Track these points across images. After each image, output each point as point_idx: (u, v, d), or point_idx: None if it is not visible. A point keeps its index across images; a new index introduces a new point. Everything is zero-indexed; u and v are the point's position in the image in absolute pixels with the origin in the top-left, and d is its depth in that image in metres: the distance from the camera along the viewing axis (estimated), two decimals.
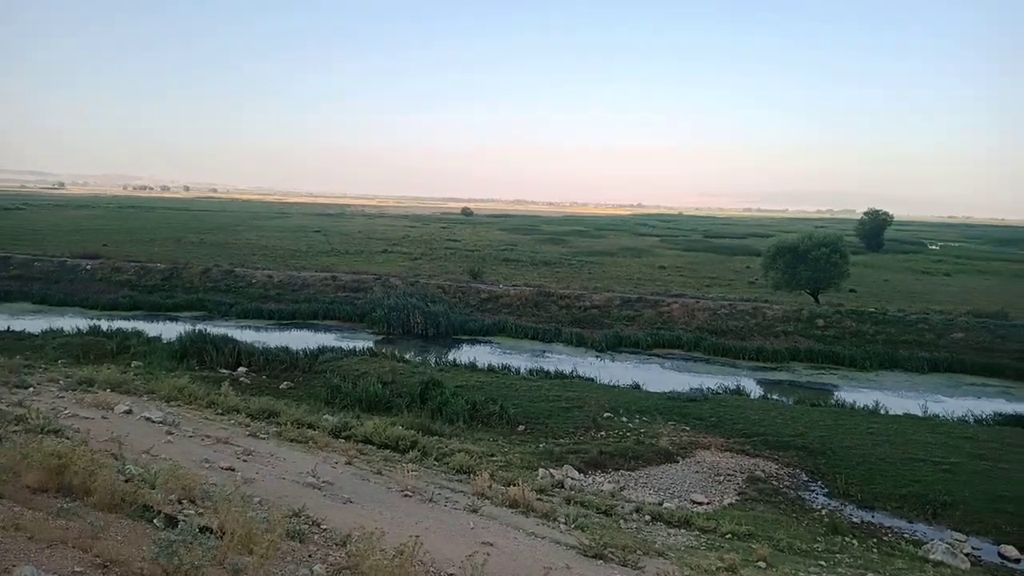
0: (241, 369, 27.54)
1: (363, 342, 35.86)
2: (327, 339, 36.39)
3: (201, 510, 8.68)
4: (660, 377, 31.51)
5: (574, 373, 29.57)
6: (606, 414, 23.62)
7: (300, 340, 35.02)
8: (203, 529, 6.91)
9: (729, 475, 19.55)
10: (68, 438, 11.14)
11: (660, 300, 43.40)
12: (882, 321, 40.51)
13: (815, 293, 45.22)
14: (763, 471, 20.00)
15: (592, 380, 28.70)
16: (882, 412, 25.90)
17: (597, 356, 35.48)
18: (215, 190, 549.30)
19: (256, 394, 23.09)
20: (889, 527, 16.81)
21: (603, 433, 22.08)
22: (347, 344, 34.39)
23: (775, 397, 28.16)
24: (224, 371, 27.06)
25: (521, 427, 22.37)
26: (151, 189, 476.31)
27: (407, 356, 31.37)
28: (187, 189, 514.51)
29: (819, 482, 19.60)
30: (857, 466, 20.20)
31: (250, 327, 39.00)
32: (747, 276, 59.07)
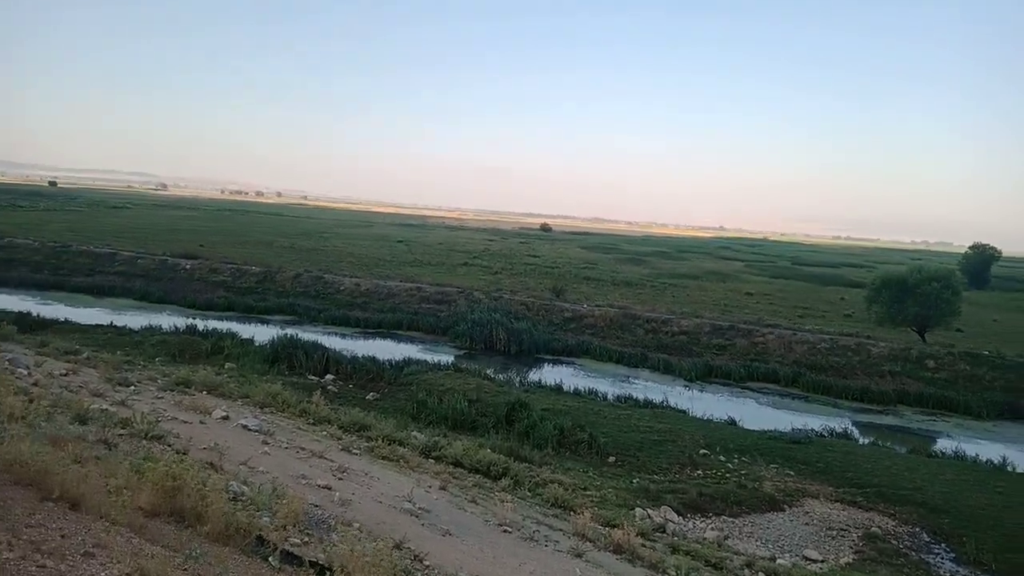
0: (329, 376, 27.59)
1: (446, 356, 35.60)
2: (411, 350, 36.34)
3: (307, 539, 8.20)
4: (756, 413, 29.68)
5: (665, 403, 28.20)
6: (702, 451, 22.25)
7: (385, 350, 35.06)
8: (316, 568, 6.34)
9: (842, 530, 17.87)
10: (170, 445, 10.98)
11: (753, 330, 41.32)
12: (1000, 366, 37.18)
13: (922, 331, 42.09)
14: (879, 527, 18.19)
15: (684, 412, 27.29)
16: (1009, 469, 23.42)
17: (686, 386, 33.90)
18: (305, 197, 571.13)
19: (344, 403, 22.94)
20: None
21: (700, 472, 20.75)
22: (430, 357, 34.19)
23: (886, 444, 25.93)
24: (313, 378, 27.17)
25: (612, 458, 21.28)
26: (246, 194, 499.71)
27: (491, 373, 30.75)
28: (279, 195, 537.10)
29: (943, 544, 17.65)
30: (988, 530, 18.10)
31: (336, 333, 39.41)
32: (842, 308, 55.84)
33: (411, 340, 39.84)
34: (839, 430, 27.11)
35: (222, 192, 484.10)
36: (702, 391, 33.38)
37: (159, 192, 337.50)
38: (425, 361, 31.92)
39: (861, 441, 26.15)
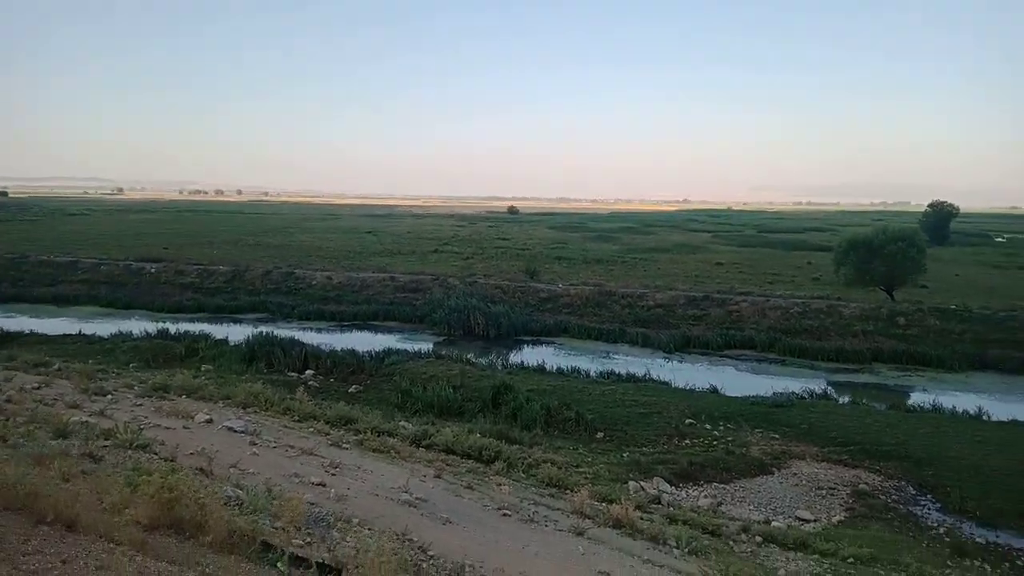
0: (309, 372, 27.20)
1: (425, 344, 35.35)
2: (389, 340, 35.98)
3: (309, 538, 8.02)
4: (737, 380, 30.03)
5: (647, 376, 28.37)
6: (688, 420, 22.46)
7: (363, 342, 34.67)
8: (325, 569, 6.19)
9: (831, 488, 18.20)
10: (156, 453, 10.67)
11: (727, 299, 41.76)
12: (967, 319, 38.16)
13: (890, 290, 42.95)
14: (867, 484, 18.57)
15: (667, 384, 27.48)
16: (985, 418, 24.07)
17: (665, 357, 34.15)
18: (266, 193, 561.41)
19: (327, 398, 22.59)
20: (1020, 549, 15.25)
21: (688, 441, 20.93)
22: (410, 346, 33.93)
23: (865, 402, 26.39)
24: (292, 374, 26.76)
25: (600, 434, 21.35)
26: (206, 193, 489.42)
27: (472, 358, 30.59)
28: (240, 193, 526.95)
29: (929, 496, 18.10)
30: (970, 478, 18.61)
31: (312, 328, 38.87)
32: (809, 272, 56.79)
33: (388, 330, 39.45)
34: (818, 391, 27.51)
35: (181, 193, 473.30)
36: (681, 362, 33.66)
37: (116, 196, 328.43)
38: (405, 351, 31.64)
39: (841, 401, 26.55)
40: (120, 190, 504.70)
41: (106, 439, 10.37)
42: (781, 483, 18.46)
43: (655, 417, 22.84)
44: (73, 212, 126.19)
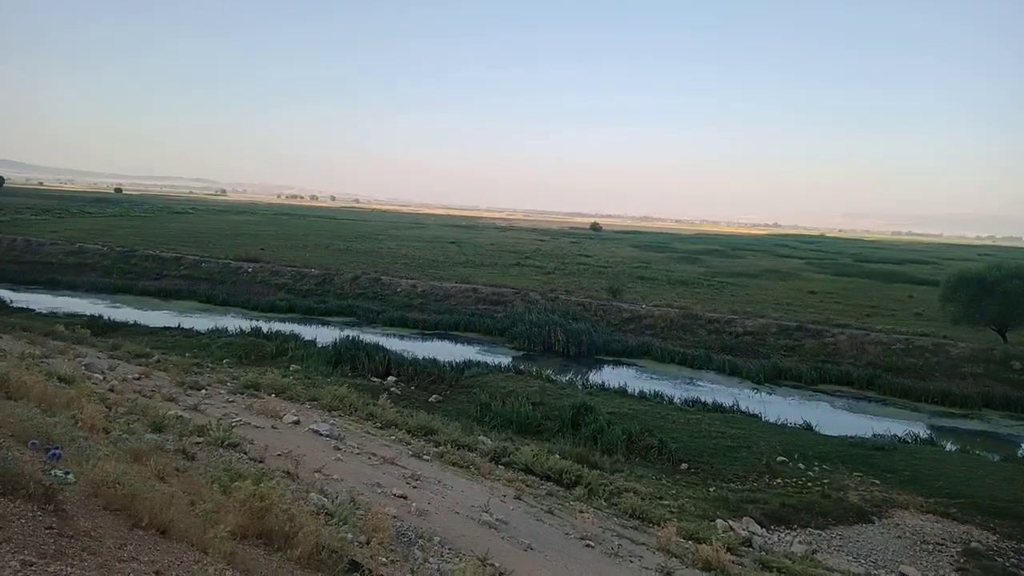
0: (391, 378, 27.46)
1: (504, 357, 35.15)
2: (469, 352, 36.03)
3: (392, 555, 7.79)
4: (832, 418, 28.28)
5: (735, 407, 27.12)
6: (779, 458, 21.19)
7: (443, 351, 34.86)
8: None
9: (939, 544, 16.62)
10: (246, 453, 10.77)
11: (823, 330, 39.60)
12: None
13: (1003, 331, 39.60)
14: (980, 542, 16.86)
15: (757, 417, 26.15)
16: None
17: (754, 388, 32.61)
18: (358, 200, 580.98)
19: (407, 406, 22.67)
20: None
21: (779, 480, 19.71)
22: (489, 358, 33.81)
23: (977, 452, 24.26)
24: (375, 379, 27.08)
25: (684, 465, 20.42)
26: (301, 198, 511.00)
27: (552, 375, 30.11)
28: (333, 199, 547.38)
29: None
30: None
31: (395, 335, 39.41)
32: (911, 307, 53.17)
33: (468, 341, 39.54)
34: (923, 436, 25.54)
35: (279, 197, 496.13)
36: (771, 394, 32.06)
37: (219, 197, 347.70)
38: (485, 363, 31.54)
39: (948, 448, 24.55)
40: (223, 191, 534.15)
41: (199, 435, 10.54)
42: (882, 534, 17.03)
43: (744, 452, 21.69)
44: (179, 210, 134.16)
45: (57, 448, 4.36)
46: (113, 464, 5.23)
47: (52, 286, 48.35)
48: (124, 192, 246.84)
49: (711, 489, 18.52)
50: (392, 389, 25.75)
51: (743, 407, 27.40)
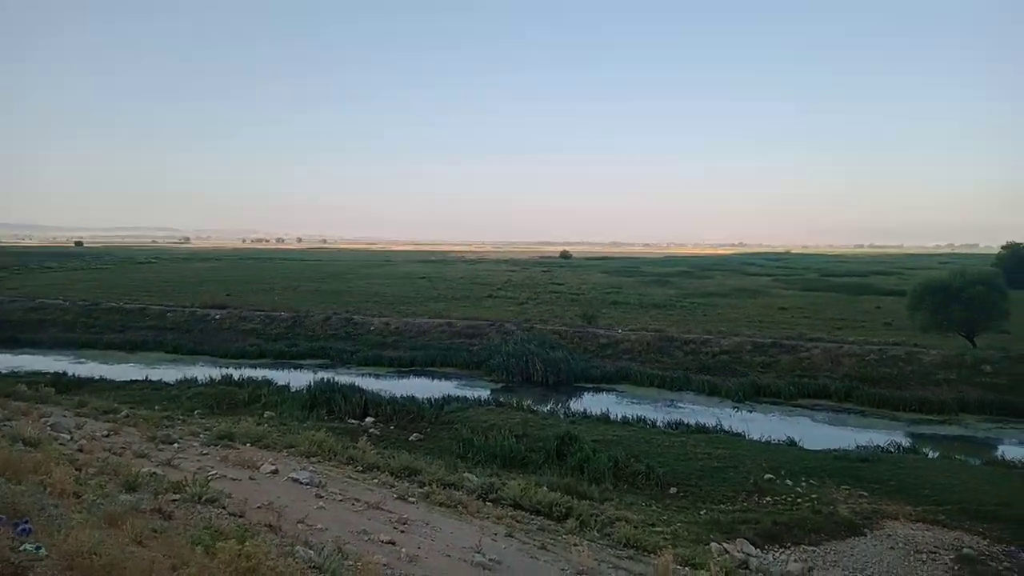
0: (369, 419, 26.89)
1: (483, 391, 34.73)
2: (447, 387, 35.58)
3: None
4: (814, 432, 28.38)
5: (718, 427, 27.07)
6: (767, 476, 21.08)
7: (421, 388, 34.36)
8: None
9: (932, 552, 16.56)
10: (224, 507, 10.29)
11: (797, 345, 40.00)
12: None
13: (971, 336, 40.46)
14: (971, 548, 16.85)
15: (740, 435, 26.12)
16: None
17: (734, 407, 32.67)
18: (325, 240, 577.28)
19: (388, 446, 22.18)
20: None
21: (769, 499, 19.59)
22: (468, 393, 33.38)
23: (958, 457, 24.47)
24: (353, 421, 26.49)
25: (673, 489, 20.21)
26: (267, 241, 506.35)
27: (533, 406, 29.81)
28: (299, 240, 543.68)
29: None
30: None
31: (370, 374, 38.78)
32: (880, 317, 54.13)
33: (446, 376, 39.08)
34: (905, 445, 25.80)
35: (244, 241, 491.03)
36: (752, 411, 32.14)
37: (183, 245, 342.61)
38: (464, 397, 31.12)
39: (931, 455, 24.77)
40: (187, 239, 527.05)
41: (175, 492, 10.06)
42: (875, 546, 16.93)
43: (731, 472, 21.56)
44: (142, 260, 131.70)
45: (26, 522, 4.03)
46: (87, 532, 4.87)
47: (12, 344, 46.77)
48: (85, 245, 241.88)
49: (702, 512, 18.31)
50: (371, 430, 25.17)
51: (726, 426, 27.37)
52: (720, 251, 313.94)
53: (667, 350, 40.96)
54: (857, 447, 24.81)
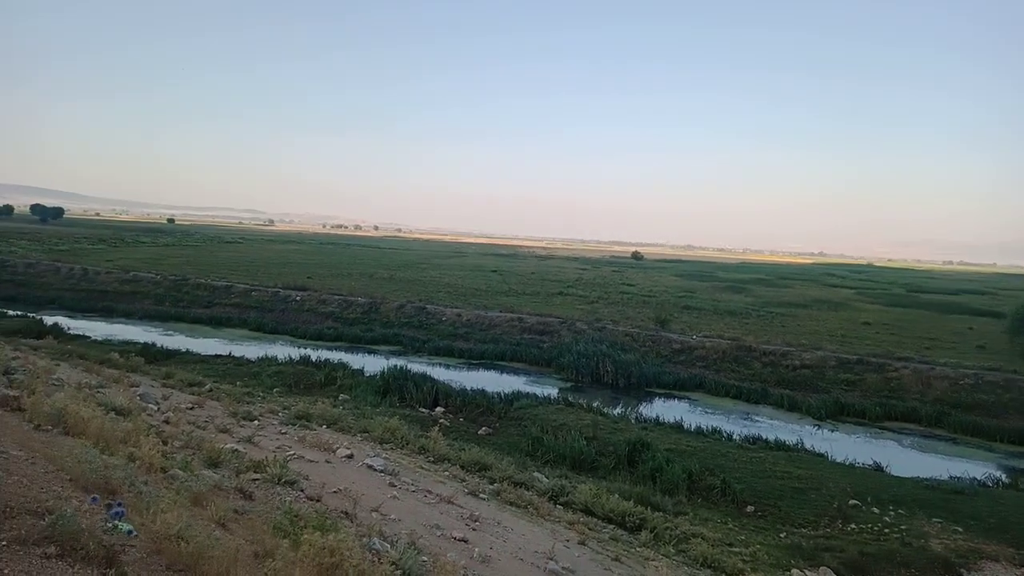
0: (439, 409, 26.95)
1: (552, 389, 34.33)
2: (516, 382, 35.37)
3: None
4: (902, 458, 26.71)
5: (799, 445, 25.80)
6: (851, 501, 19.88)
7: (490, 381, 34.29)
8: None
9: None
10: (303, 491, 10.28)
11: (885, 364, 37.82)
12: None
13: None
14: None
15: (823, 456, 24.81)
16: None
17: (815, 425, 31.13)
18: (400, 230, 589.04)
19: (457, 438, 22.10)
20: None
21: (853, 526, 18.44)
22: (537, 390, 33.09)
23: None
24: (423, 410, 26.60)
25: (750, 508, 19.31)
26: (346, 227, 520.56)
27: (603, 408, 29.21)
28: (376, 228, 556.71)
29: None
30: None
31: (441, 364, 38.99)
32: (972, 339, 50.61)
33: (515, 371, 38.89)
34: (1005, 479, 23.87)
35: (324, 227, 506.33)
36: (834, 431, 30.53)
37: (268, 228, 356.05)
38: (534, 394, 30.82)
39: None
40: (271, 222, 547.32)
41: (256, 472, 10.11)
42: None
43: (812, 494, 20.45)
44: (229, 240, 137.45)
45: (119, 505, 3.92)
46: (175, 514, 4.77)
47: (107, 313, 49.41)
48: (176, 222, 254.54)
49: (782, 535, 17.38)
50: (441, 421, 25.19)
51: (807, 445, 26.10)
52: (799, 260, 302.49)
53: (744, 360, 39.50)
54: (950, 477, 23.20)
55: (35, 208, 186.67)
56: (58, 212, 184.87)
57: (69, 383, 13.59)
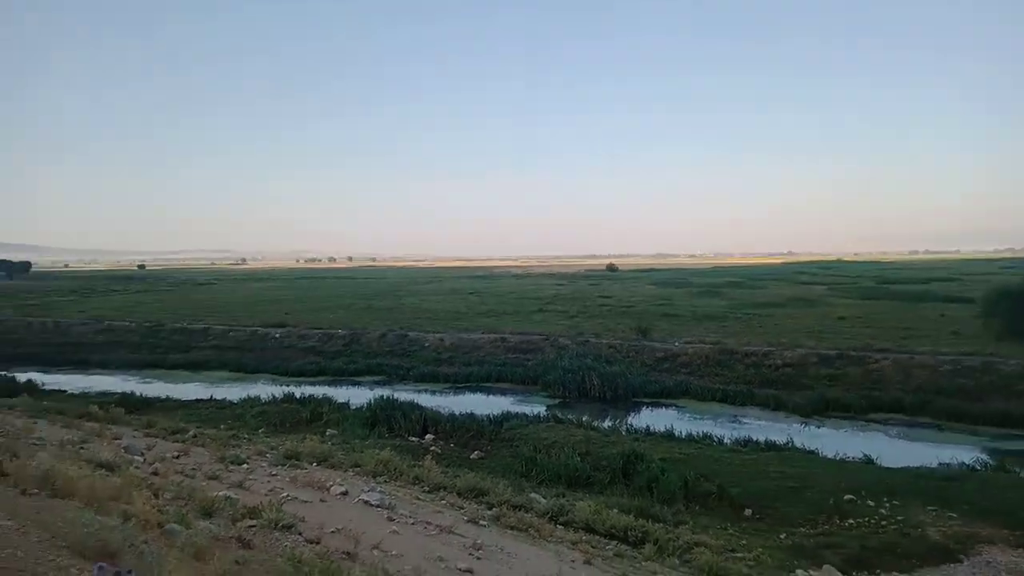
0: (429, 436, 26.72)
1: (540, 407, 34.28)
2: (504, 403, 35.24)
3: None
4: (890, 448, 26.96)
5: (789, 444, 25.95)
6: (847, 496, 19.98)
7: (478, 404, 34.10)
8: None
9: None
10: (301, 534, 10.07)
11: (865, 356, 38.35)
12: None
13: None
14: None
15: (813, 453, 24.99)
16: None
17: (802, 422, 31.40)
18: (374, 259, 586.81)
19: (450, 465, 21.86)
20: None
21: (851, 521, 18.53)
22: (526, 409, 32.97)
23: None
24: (413, 439, 26.35)
25: (748, 511, 19.33)
26: (319, 261, 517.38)
27: (593, 423, 29.17)
28: (351, 259, 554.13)
29: None
30: None
31: (427, 391, 38.73)
32: (945, 326, 51.39)
33: (502, 392, 38.76)
34: (991, 462, 24.21)
35: (297, 261, 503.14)
36: (821, 427, 30.82)
37: (240, 266, 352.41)
38: (523, 414, 30.67)
39: (1022, 473, 23.14)
40: (243, 260, 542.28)
41: (252, 518, 9.88)
42: (974, 573, 15.79)
43: (808, 492, 20.54)
44: (202, 282, 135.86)
45: (130, 572, 3.77)
46: (184, 574, 4.63)
47: (83, 365, 48.39)
48: (147, 268, 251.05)
49: (782, 536, 17.41)
50: (432, 448, 24.96)
51: (797, 443, 26.24)
52: (769, 260, 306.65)
53: (727, 363, 39.81)
54: (939, 464, 23.44)
55: (0, 264, 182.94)
56: (25, 266, 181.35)
57: (51, 441, 13.23)
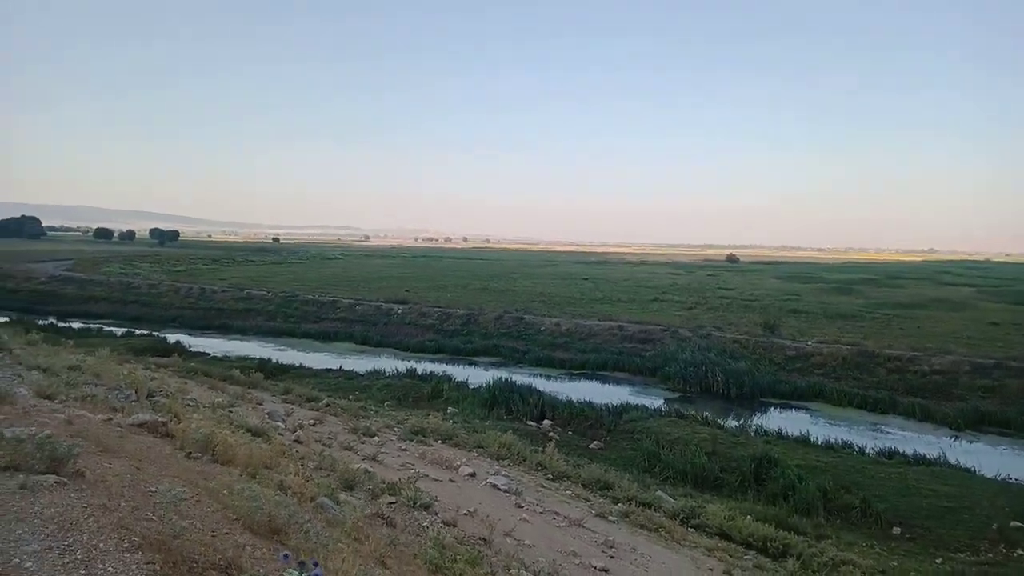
0: (546, 422, 26.51)
1: (658, 399, 33.22)
2: (621, 393, 34.47)
3: None
4: None
5: (941, 459, 23.60)
6: (1013, 523, 17.88)
7: (595, 392, 33.55)
8: None
9: None
10: (437, 514, 9.99)
11: None
12: None
13: None
14: None
15: (970, 471, 22.58)
16: None
17: (953, 436, 28.58)
18: (488, 240, 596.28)
19: (569, 453, 21.46)
20: None
21: (1019, 552, 16.54)
22: (644, 400, 32.06)
23: None
24: (531, 423, 26.24)
25: (896, 529, 17.71)
26: (436, 240, 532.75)
27: (718, 421, 27.82)
28: (465, 240, 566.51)
29: None
30: None
31: (542, 375, 38.52)
32: None
33: (618, 382, 37.98)
34: None
35: (416, 240, 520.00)
36: (974, 443, 27.89)
37: (364, 243, 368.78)
38: (642, 406, 29.77)
39: None
40: (367, 237, 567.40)
41: (391, 494, 9.89)
42: None
43: (964, 513, 18.58)
44: (330, 256, 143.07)
45: (316, 564, 3.57)
46: (351, 560, 4.45)
47: (224, 330, 52.04)
48: (281, 241, 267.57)
49: (938, 560, 15.76)
50: (551, 434, 24.72)
51: (950, 459, 23.81)
52: (908, 258, 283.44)
53: (866, 367, 36.91)
54: None
55: (154, 232, 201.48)
56: (174, 235, 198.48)
57: (203, 403, 13.97)
